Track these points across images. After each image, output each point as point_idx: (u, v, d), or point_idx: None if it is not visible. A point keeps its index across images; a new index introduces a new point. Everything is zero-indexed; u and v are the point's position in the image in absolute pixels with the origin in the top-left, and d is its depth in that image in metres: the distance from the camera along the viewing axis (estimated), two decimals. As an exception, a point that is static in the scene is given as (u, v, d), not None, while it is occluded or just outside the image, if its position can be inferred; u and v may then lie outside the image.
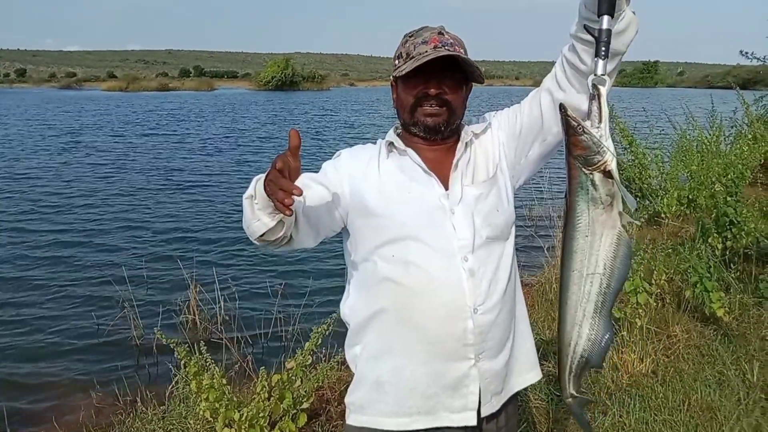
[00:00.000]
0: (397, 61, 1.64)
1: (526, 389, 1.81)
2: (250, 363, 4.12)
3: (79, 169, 14.59)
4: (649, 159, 8.67)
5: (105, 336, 5.38)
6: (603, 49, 1.32)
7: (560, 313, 1.45)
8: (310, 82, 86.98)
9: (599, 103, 1.31)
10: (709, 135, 9.26)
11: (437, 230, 1.57)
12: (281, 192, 1.27)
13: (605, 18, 1.32)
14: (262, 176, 1.39)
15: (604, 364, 1.47)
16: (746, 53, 10.64)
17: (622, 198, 1.34)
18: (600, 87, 1.31)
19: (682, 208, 7.54)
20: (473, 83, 1.69)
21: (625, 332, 3.99)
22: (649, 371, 3.78)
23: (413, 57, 1.56)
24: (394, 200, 1.59)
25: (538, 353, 1.86)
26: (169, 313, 5.59)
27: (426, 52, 1.54)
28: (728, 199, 5.80)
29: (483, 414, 1.63)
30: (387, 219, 1.58)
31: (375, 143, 1.76)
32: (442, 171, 1.64)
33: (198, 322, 5.24)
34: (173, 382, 3.95)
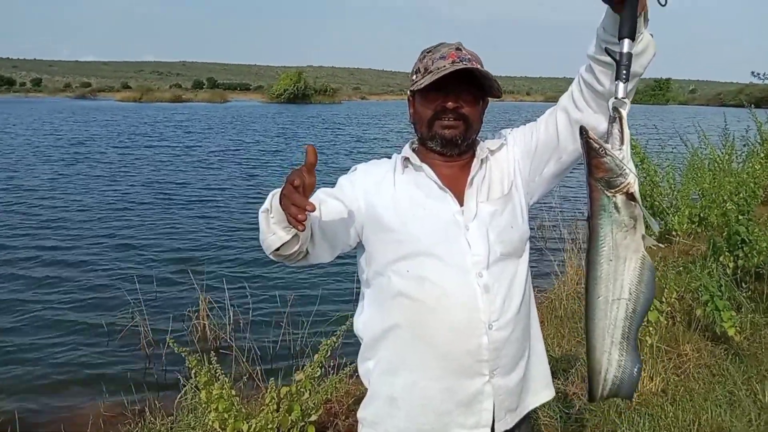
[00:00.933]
0: (414, 76, 1.66)
1: (536, 407, 1.81)
2: (259, 374, 4.13)
3: (86, 179, 14.69)
4: (661, 176, 8.65)
5: (114, 344, 5.40)
6: (624, 72, 1.33)
7: (588, 341, 1.43)
8: (322, 95, 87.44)
9: (621, 126, 1.32)
10: (721, 153, 9.24)
11: (452, 246, 1.57)
12: (294, 207, 1.29)
13: (626, 41, 1.33)
14: (278, 191, 1.40)
15: (634, 394, 1.45)
16: (758, 74, 10.66)
17: (645, 220, 1.34)
18: (621, 110, 1.32)
19: (693, 226, 7.51)
20: (490, 98, 1.71)
21: (635, 350, 3.96)
22: (659, 390, 3.75)
23: (431, 72, 1.58)
24: (408, 216, 1.60)
25: None
26: (178, 323, 5.61)
27: (444, 66, 1.56)
28: (740, 217, 5.77)
29: (497, 431, 1.63)
30: (402, 234, 1.59)
31: (390, 158, 1.78)
32: (457, 187, 1.64)
33: (208, 332, 5.25)
34: (182, 392, 3.95)
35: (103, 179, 14.69)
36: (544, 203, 8.59)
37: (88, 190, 13.10)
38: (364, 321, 1.73)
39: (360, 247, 1.71)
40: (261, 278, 7.22)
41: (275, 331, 5.19)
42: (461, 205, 1.62)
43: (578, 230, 7.63)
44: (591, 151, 1.32)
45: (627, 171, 1.30)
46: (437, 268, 1.56)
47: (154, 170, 16.36)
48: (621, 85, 1.33)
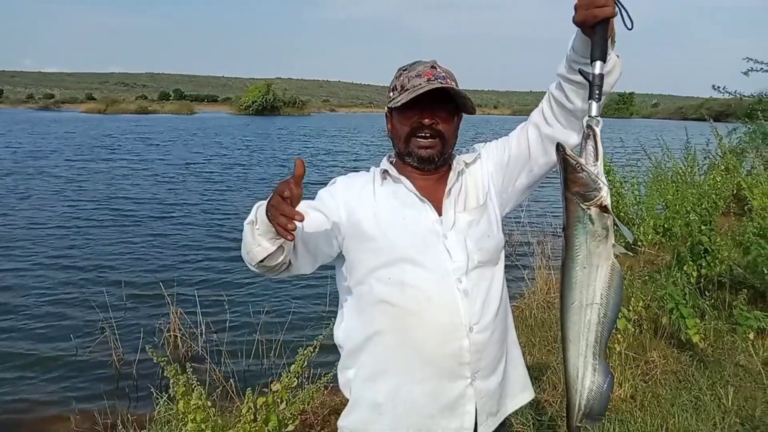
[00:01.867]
0: (391, 93, 1.72)
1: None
2: (232, 386, 4.12)
3: (40, 193, 14.43)
4: (626, 188, 8.86)
5: (84, 361, 5.29)
6: (597, 92, 1.40)
7: (564, 345, 1.48)
8: (290, 108, 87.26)
9: (595, 142, 1.38)
10: (684, 166, 9.51)
11: (432, 253, 1.63)
12: (283, 218, 1.32)
13: (598, 63, 1.39)
14: (263, 203, 1.44)
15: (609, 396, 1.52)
16: (718, 87, 10.94)
17: (616, 230, 1.40)
18: (595, 127, 1.39)
19: (658, 236, 7.71)
20: (465, 113, 1.77)
21: (604, 357, 4.05)
22: (628, 396, 3.85)
23: (407, 89, 1.64)
24: (389, 225, 1.65)
25: None
26: (149, 336, 5.55)
27: (420, 84, 1.62)
28: (702, 227, 5.94)
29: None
30: (383, 243, 1.64)
31: (368, 171, 1.83)
32: (435, 198, 1.71)
33: (180, 345, 5.21)
34: (154, 406, 3.92)
35: (59, 193, 14.39)
36: (514, 217, 8.72)
37: (43, 205, 12.83)
38: (345, 329, 1.77)
39: (339, 257, 1.74)
40: (232, 291, 7.16)
41: (248, 343, 5.16)
42: (440, 214, 1.68)
43: (546, 243, 7.76)
44: (568, 167, 1.39)
45: (601, 185, 1.36)
46: (418, 274, 1.61)
47: (111, 184, 16.01)
48: (594, 104, 1.40)
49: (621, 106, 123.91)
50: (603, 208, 1.37)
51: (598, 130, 1.39)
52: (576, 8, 1.37)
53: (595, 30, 1.38)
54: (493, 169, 1.78)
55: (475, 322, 1.61)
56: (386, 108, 1.79)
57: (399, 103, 1.64)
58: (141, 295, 6.94)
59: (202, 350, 5.06)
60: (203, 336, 5.25)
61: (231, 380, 4.23)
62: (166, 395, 3.86)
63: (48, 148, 25.80)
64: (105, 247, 9.34)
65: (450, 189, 1.72)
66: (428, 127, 1.67)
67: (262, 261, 1.50)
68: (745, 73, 10.09)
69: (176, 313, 5.45)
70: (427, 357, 1.61)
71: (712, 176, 9.17)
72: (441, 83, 1.62)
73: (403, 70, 1.72)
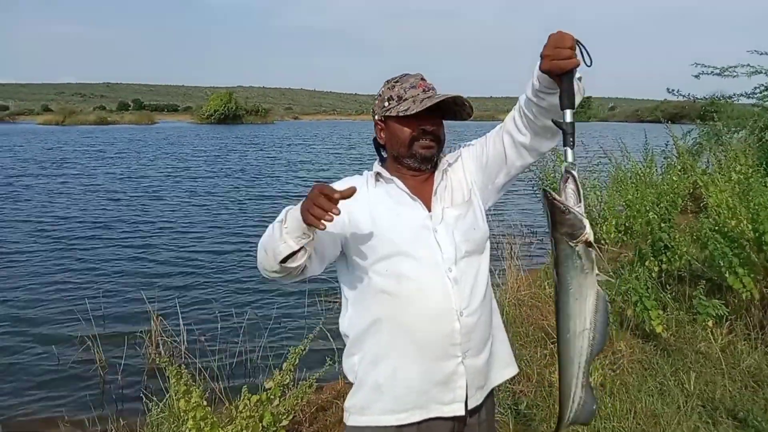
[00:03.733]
0: (387, 103, 1.89)
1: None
2: (219, 389, 4.23)
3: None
4: (588, 189, 9.18)
5: (68, 370, 5.33)
6: (570, 139, 1.52)
7: (561, 369, 1.63)
8: (253, 116, 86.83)
9: (576, 185, 1.52)
10: (643, 166, 9.86)
11: (424, 246, 1.82)
12: (321, 210, 1.49)
13: (568, 112, 1.52)
14: (294, 207, 1.60)
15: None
16: (672, 90, 11.33)
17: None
18: (573, 171, 1.52)
19: (620, 234, 8.00)
20: (461, 120, 1.95)
21: (574, 349, 4.27)
22: (598, 384, 4.07)
23: (407, 99, 1.83)
24: (385, 222, 1.83)
25: None
26: (132, 344, 5.62)
27: (418, 95, 1.82)
28: (662, 225, 6.24)
29: (470, 406, 1.86)
30: (379, 239, 1.81)
31: (361, 174, 2.01)
32: (423, 195, 1.90)
33: (162, 352, 5.28)
34: (144, 410, 4.01)
35: (36, 207, 14.27)
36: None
37: (19, 217, 12.72)
38: (349, 319, 1.93)
39: (341, 255, 1.91)
40: (213, 298, 7.25)
41: (231, 347, 5.28)
42: (429, 211, 1.87)
43: (515, 244, 8.01)
44: (556, 211, 1.52)
45: (585, 224, 1.50)
46: (412, 265, 1.80)
47: (87, 194, 15.98)
48: (569, 151, 1.52)
49: (579, 110, 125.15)
50: (588, 243, 1.51)
51: (576, 173, 1.52)
52: (542, 57, 1.52)
53: (562, 79, 1.49)
54: (473, 168, 1.96)
55: (465, 306, 1.80)
56: (377, 117, 1.95)
57: (411, 112, 1.80)
58: (121, 305, 7.00)
59: (185, 354, 5.15)
60: (185, 343, 5.33)
61: (217, 383, 4.34)
62: (156, 398, 3.97)
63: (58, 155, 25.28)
64: (82, 259, 9.31)
65: (437, 187, 1.91)
66: (430, 132, 1.86)
67: (284, 261, 1.62)
68: (696, 77, 10.51)
69: (157, 321, 5.53)
70: (423, 340, 1.79)
71: (669, 176, 9.53)
72: (448, 94, 1.82)
73: (395, 82, 1.90)
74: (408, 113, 1.82)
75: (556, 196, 1.52)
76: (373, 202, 1.88)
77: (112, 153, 31.23)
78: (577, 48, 1.49)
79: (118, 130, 58.95)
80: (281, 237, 1.60)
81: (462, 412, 1.83)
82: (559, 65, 1.48)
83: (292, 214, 1.59)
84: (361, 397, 1.87)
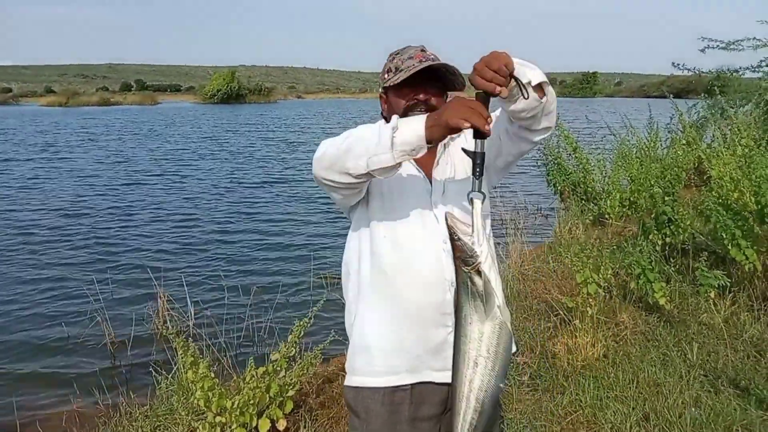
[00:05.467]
0: (386, 75, 1.91)
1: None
2: (228, 361, 4.29)
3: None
4: (593, 164, 9.18)
5: (78, 346, 5.41)
6: (478, 170, 1.53)
7: (452, 391, 1.62)
8: (256, 95, 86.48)
9: (472, 216, 1.53)
10: (647, 141, 9.85)
11: (422, 218, 1.85)
12: (479, 114, 1.44)
13: (478, 141, 1.51)
14: (406, 118, 1.59)
15: None
16: (678, 65, 11.24)
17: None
18: (476, 201, 1.53)
19: (624, 209, 8.03)
20: (454, 91, 1.96)
21: (577, 321, 4.33)
22: (601, 355, 4.12)
23: (402, 70, 1.84)
24: (393, 190, 1.86)
25: None
26: (140, 320, 5.71)
27: (413, 65, 1.82)
28: (666, 199, 6.25)
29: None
30: (384, 204, 1.85)
31: None
32: (426, 168, 1.91)
33: (170, 326, 5.34)
34: (154, 383, 4.08)
35: (37, 186, 14.36)
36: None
37: (26, 197, 12.81)
38: (345, 280, 2.00)
39: (353, 208, 1.93)
40: (219, 273, 7.33)
41: (238, 321, 5.34)
42: (430, 184, 1.88)
43: (519, 220, 8.05)
44: (450, 236, 1.55)
45: (476, 253, 1.51)
46: (409, 234, 1.83)
47: (90, 176, 16.06)
48: (476, 181, 1.53)
49: (585, 85, 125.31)
50: (479, 272, 1.51)
51: (478, 204, 1.53)
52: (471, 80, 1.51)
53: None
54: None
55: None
56: (380, 90, 1.97)
57: (398, 81, 1.83)
58: (129, 283, 7.09)
59: (193, 329, 5.22)
60: (193, 318, 5.40)
61: (225, 356, 4.41)
62: (165, 372, 4.04)
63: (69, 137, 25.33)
64: (88, 238, 9.41)
65: (438, 160, 1.92)
66: (423, 102, 1.85)
67: (373, 170, 1.58)
68: (702, 51, 10.42)
69: (164, 297, 5.60)
70: (414, 308, 1.82)
71: (674, 150, 9.52)
72: (433, 62, 1.82)
73: (396, 55, 1.92)
74: (397, 81, 1.83)
75: (451, 222, 1.54)
76: None
77: (121, 133, 31.27)
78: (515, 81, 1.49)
79: (121, 111, 58.83)
80: (390, 146, 1.54)
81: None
82: (477, 83, 1.47)
83: (409, 127, 1.54)
84: (356, 359, 1.93)
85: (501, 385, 1.58)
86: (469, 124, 1.44)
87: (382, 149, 1.55)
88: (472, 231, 1.52)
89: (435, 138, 1.52)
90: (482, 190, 1.54)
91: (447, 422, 1.97)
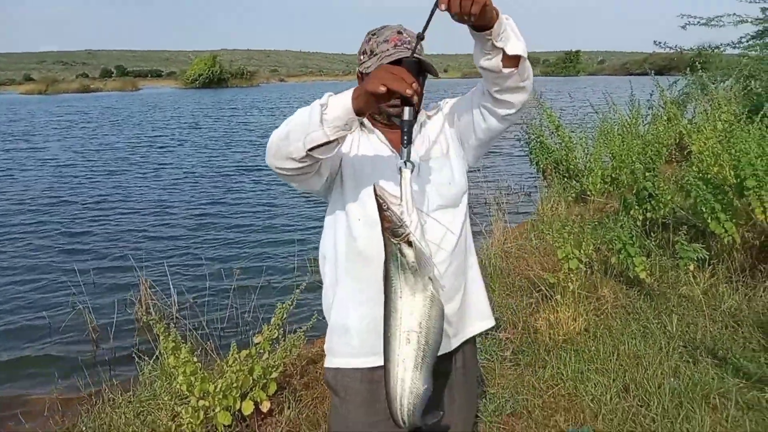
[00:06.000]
0: (362, 57, 1.87)
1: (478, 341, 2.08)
2: (210, 347, 4.29)
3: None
4: (575, 142, 9.21)
5: (60, 336, 5.37)
6: (405, 138, 1.52)
7: (385, 368, 1.58)
8: (238, 79, 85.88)
9: (401, 185, 1.51)
10: (629, 118, 9.88)
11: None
12: (402, 81, 1.40)
13: (407, 109, 1.49)
14: (337, 93, 1.54)
15: (430, 419, 1.64)
16: (659, 42, 11.27)
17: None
18: (404, 171, 1.50)
19: (606, 185, 8.08)
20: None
21: (559, 296, 4.36)
22: (582, 329, 4.16)
23: (376, 54, 1.81)
24: (364, 170, 1.83)
25: None
26: (122, 306, 5.68)
27: (387, 50, 1.79)
28: (647, 174, 6.29)
29: (439, 353, 1.90)
30: (357, 187, 1.82)
31: None
32: (399, 149, 1.89)
33: (153, 313, 5.31)
34: (137, 369, 4.07)
35: (20, 172, 14.18)
36: (471, 177, 9.00)
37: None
38: (323, 261, 1.98)
39: (328, 190, 1.89)
40: (201, 257, 7.30)
41: (221, 306, 5.33)
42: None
43: (502, 199, 8.07)
44: (378, 206, 1.52)
45: (406, 223, 1.48)
46: None
47: (62, 165, 15.88)
48: (404, 149, 1.51)
49: (568, 64, 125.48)
50: (410, 243, 1.48)
51: (407, 174, 1.50)
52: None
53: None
54: (451, 125, 1.96)
55: (432, 256, 1.81)
56: (358, 71, 1.94)
57: (368, 70, 1.79)
58: (110, 271, 7.04)
59: (176, 315, 5.21)
60: (176, 305, 5.38)
61: (209, 341, 4.40)
62: (148, 358, 4.03)
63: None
64: (68, 227, 9.33)
65: (414, 140, 1.90)
66: None
67: (311, 150, 1.54)
68: (683, 27, 10.44)
69: (146, 283, 5.57)
70: None
71: (655, 127, 9.57)
72: (407, 48, 1.78)
73: (372, 35, 1.87)
74: (367, 71, 1.80)
75: (380, 192, 1.50)
76: (356, 149, 1.88)
77: (101, 121, 30.83)
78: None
79: (101, 98, 58.08)
80: (320, 123, 1.51)
81: None
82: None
83: (337, 101, 1.52)
84: (334, 340, 1.92)
85: (435, 360, 1.55)
86: (385, 89, 1.40)
87: (314, 127, 1.51)
88: (401, 201, 1.49)
89: (362, 108, 1.49)
90: (409, 161, 1.51)
91: None
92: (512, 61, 1.57)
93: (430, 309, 1.50)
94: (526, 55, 1.57)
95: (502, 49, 1.53)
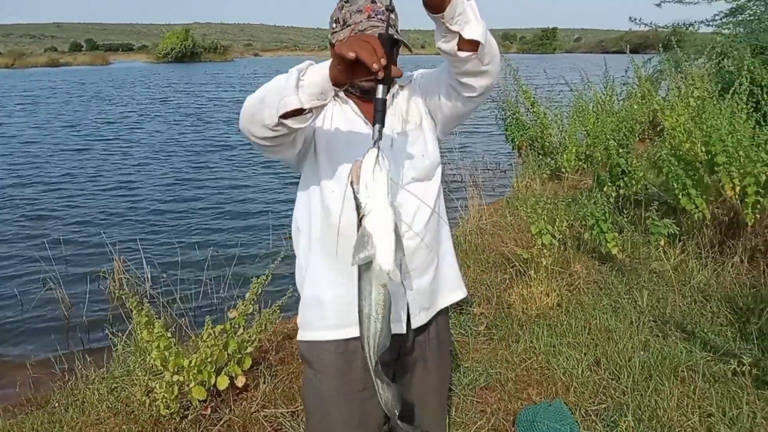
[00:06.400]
0: (334, 25, 1.84)
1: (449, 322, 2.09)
2: (186, 323, 4.27)
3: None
4: (550, 119, 9.25)
5: (32, 312, 5.30)
6: (379, 116, 1.47)
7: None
8: (212, 54, 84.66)
9: (359, 164, 1.45)
10: (604, 95, 9.94)
11: None
12: (371, 51, 1.34)
13: (380, 87, 1.45)
14: (316, 63, 1.49)
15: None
16: (635, 19, 11.30)
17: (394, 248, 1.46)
18: (371, 150, 1.44)
19: (580, 163, 8.15)
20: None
21: (532, 272, 4.41)
22: (555, 304, 4.21)
23: (349, 25, 1.77)
24: (338, 143, 1.81)
25: None
26: (95, 284, 5.61)
27: (361, 22, 1.75)
28: (620, 151, 6.35)
29: (413, 326, 1.90)
30: (331, 159, 1.80)
31: None
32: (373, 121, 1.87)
33: (126, 289, 5.27)
34: (111, 345, 4.03)
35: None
36: (446, 148, 8.99)
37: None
38: (296, 235, 1.97)
39: (302, 160, 1.86)
40: (175, 233, 7.25)
41: (196, 282, 5.28)
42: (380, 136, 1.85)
43: (477, 176, 8.10)
44: (351, 183, 1.48)
45: (361, 203, 1.45)
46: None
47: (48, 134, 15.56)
48: (375, 129, 1.47)
49: (545, 41, 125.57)
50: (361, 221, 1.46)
51: (371, 154, 1.44)
52: None
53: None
54: (423, 96, 1.93)
55: (406, 230, 1.81)
56: (329, 38, 1.91)
57: (340, 40, 1.76)
58: (82, 247, 6.95)
59: (150, 291, 5.16)
60: (149, 281, 5.34)
61: (183, 318, 4.37)
62: (121, 334, 3.99)
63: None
64: (37, 204, 9.16)
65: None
66: None
67: (284, 118, 1.48)
68: (658, 5, 10.48)
69: (119, 260, 5.51)
70: None
71: (629, 104, 9.65)
72: (381, 18, 1.75)
73: (345, 2, 1.82)
74: (341, 39, 1.76)
75: (358, 168, 1.46)
76: (329, 120, 1.85)
77: (69, 96, 30.10)
78: None
79: (70, 72, 56.83)
80: (296, 88, 1.45)
81: (402, 331, 1.87)
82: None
83: (316, 68, 1.47)
84: (308, 313, 1.91)
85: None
86: (354, 55, 1.34)
87: (289, 91, 1.45)
88: (358, 180, 1.46)
89: (338, 77, 1.43)
90: (377, 140, 1.46)
91: (400, 368, 2.01)
92: (471, 45, 1.50)
93: (381, 296, 1.47)
94: (484, 40, 1.50)
95: (459, 33, 1.47)
